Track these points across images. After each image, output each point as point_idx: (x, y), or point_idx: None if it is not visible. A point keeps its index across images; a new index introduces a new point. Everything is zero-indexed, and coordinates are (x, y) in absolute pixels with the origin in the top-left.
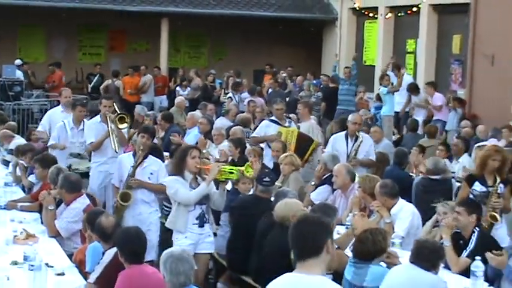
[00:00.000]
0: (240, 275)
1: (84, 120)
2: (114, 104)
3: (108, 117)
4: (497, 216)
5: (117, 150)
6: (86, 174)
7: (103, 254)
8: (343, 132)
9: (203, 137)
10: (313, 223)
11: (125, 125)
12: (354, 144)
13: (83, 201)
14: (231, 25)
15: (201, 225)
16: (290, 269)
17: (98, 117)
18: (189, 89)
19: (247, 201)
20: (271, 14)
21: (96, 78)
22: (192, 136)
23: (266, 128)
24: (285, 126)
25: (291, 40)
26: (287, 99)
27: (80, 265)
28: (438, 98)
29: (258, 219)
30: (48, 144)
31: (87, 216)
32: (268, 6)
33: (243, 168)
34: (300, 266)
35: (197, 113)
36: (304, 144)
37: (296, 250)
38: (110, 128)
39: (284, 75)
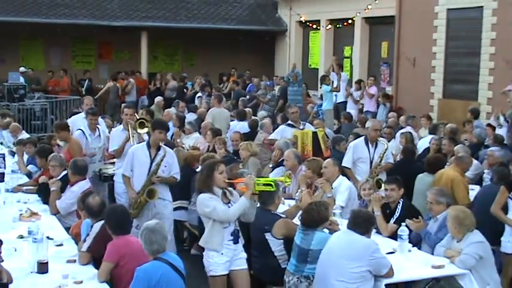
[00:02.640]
0: None
1: (99, 126)
2: (135, 113)
3: (129, 125)
4: None
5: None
6: (112, 177)
7: (92, 227)
8: (362, 138)
9: (177, 129)
10: None
11: (145, 129)
12: (375, 150)
13: (83, 185)
14: (200, 36)
15: (236, 242)
16: (249, 237)
17: (121, 126)
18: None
19: None
20: (232, 26)
21: (86, 82)
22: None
23: (282, 133)
24: (300, 129)
25: (249, 48)
26: (247, 97)
27: (76, 237)
28: (373, 89)
29: None
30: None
31: (81, 197)
32: (230, 21)
33: (281, 178)
34: None
35: (172, 109)
36: (316, 141)
37: None
38: (130, 134)
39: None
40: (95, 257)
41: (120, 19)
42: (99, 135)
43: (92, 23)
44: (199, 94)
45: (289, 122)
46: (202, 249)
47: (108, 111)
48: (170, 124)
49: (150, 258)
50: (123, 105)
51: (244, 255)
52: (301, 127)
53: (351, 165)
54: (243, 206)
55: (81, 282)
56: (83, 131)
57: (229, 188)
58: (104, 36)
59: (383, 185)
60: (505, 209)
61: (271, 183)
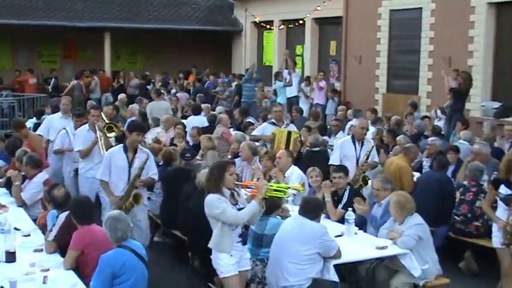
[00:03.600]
0: (171, 230)
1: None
2: (102, 113)
3: (96, 126)
4: None
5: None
6: None
7: (57, 217)
8: (349, 137)
9: None
10: None
11: (113, 133)
12: (361, 148)
13: (42, 176)
14: (161, 36)
15: (244, 243)
16: (208, 224)
17: (86, 126)
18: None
19: (175, 172)
20: (191, 27)
21: (52, 80)
22: None
23: (263, 130)
24: (282, 128)
25: (208, 47)
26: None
27: (43, 228)
28: (322, 83)
29: (183, 186)
30: (54, 150)
31: (47, 189)
32: (189, 21)
33: (296, 186)
34: None
35: (135, 105)
36: (289, 140)
37: None
38: (98, 136)
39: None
40: (61, 245)
41: (84, 20)
42: None
43: (57, 24)
44: (162, 91)
45: (272, 120)
46: (165, 235)
47: (73, 108)
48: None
49: (114, 246)
50: (88, 102)
51: (249, 255)
52: (283, 126)
53: (338, 163)
54: (252, 210)
55: (48, 270)
56: (67, 131)
57: (236, 189)
58: (68, 37)
59: (369, 181)
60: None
61: (284, 189)
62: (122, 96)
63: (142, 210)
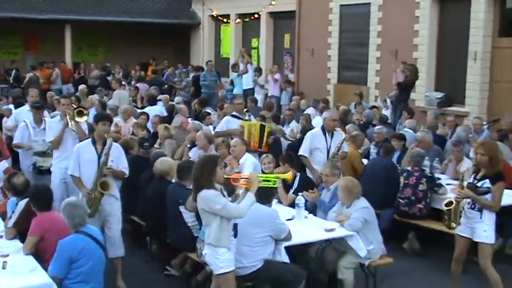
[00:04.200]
0: (130, 215)
1: (45, 119)
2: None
3: (67, 115)
4: (453, 201)
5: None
6: (50, 171)
7: (17, 205)
8: (319, 128)
9: None
10: None
11: (85, 117)
12: (332, 139)
13: (2, 165)
14: (121, 28)
15: (236, 236)
16: (165, 209)
17: (58, 117)
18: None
19: (133, 160)
20: (150, 20)
21: (13, 72)
22: (90, 115)
23: (228, 123)
24: (245, 120)
25: (166, 40)
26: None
27: (3, 215)
28: (277, 75)
29: (141, 174)
30: (13, 143)
31: (7, 177)
32: (148, 14)
33: (283, 176)
34: None
35: (95, 96)
36: (262, 133)
37: None
38: (69, 123)
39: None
40: (20, 232)
41: (45, 13)
42: (44, 128)
43: (20, 16)
44: (122, 82)
45: (234, 113)
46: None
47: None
48: (93, 109)
49: (72, 232)
50: (48, 93)
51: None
52: (246, 118)
53: (308, 154)
54: (251, 202)
55: (7, 255)
56: (26, 124)
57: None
58: (30, 29)
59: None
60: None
61: (273, 179)
62: (82, 87)
63: (113, 205)
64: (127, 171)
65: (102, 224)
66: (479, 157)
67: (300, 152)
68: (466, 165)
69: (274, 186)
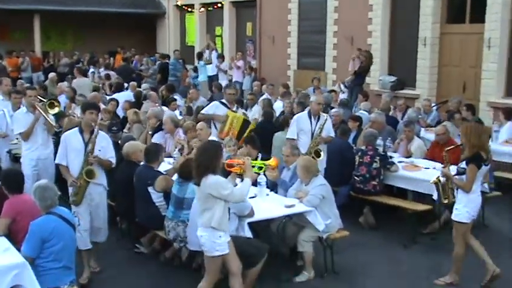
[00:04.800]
0: None
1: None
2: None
3: (36, 106)
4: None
5: (56, 130)
6: None
7: None
8: (306, 112)
9: (69, 101)
10: None
11: (56, 109)
12: (317, 123)
13: None
14: (89, 18)
15: (229, 218)
16: (134, 190)
17: (24, 108)
18: (102, 68)
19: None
20: (117, 10)
21: None
22: (61, 102)
23: (215, 109)
24: (233, 111)
25: (133, 29)
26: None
27: None
28: (240, 62)
29: None
30: None
31: None
32: (115, 4)
33: (267, 162)
34: None
35: (65, 83)
36: (244, 128)
37: None
38: (44, 115)
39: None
40: None
41: (13, 3)
42: None
43: None
44: (92, 70)
45: (224, 100)
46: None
47: None
48: (63, 96)
49: (43, 213)
50: (18, 81)
51: None
52: (234, 108)
53: (295, 137)
54: (248, 186)
55: None
56: (4, 113)
57: None
58: (0, 20)
59: (321, 153)
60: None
61: (261, 165)
62: (52, 75)
63: (101, 194)
64: (114, 161)
65: (90, 212)
66: (462, 140)
67: (288, 135)
68: (416, 144)
69: (258, 171)
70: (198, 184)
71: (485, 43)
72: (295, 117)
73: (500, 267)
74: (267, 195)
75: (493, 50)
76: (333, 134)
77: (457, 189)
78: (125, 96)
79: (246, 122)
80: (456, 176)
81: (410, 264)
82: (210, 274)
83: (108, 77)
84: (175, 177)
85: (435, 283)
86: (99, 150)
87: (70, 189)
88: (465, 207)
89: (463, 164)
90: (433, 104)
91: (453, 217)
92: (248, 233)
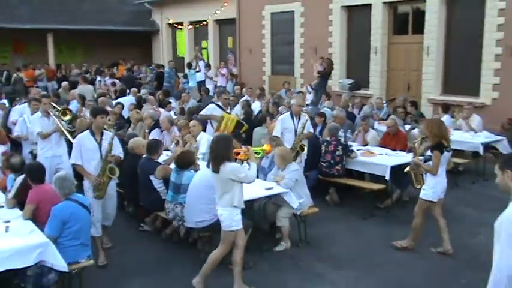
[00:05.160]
0: None
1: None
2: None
3: (50, 112)
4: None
5: (71, 140)
6: None
7: (15, 180)
8: (288, 113)
9: (80, 106)
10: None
11: (68, 117)
12: (299, 122)
13: (1, 149)
14: (95, 35)
15: None
16: (137, 179)
17: (39, 113)
18: (107, 77)
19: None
20: (119, 28)
21: (5, 73)
22: (73, 106)
23: (213, 110)
24: (228, 112)
25: (133, 43)
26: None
27: (3, 189)
28: (224, 70)
29: None
30: (14, 135)
31: (5, 158)
32: (117, 23)
33: (263, 148)
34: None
35: (76, 90)
36: (237, 128)
37: None
38: (58, 121)
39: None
40: (19, 202)
41: (30, 22)
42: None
43: (9, 26)
44: (98, 78)
45: (219, 103)
46: None
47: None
48: (74, 102)
49: (62, 200)
50: (33, 89)
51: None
52: (228, 111)
53: (280, 135)
54: (255, 169)
55: (9, 221)
56: (24, 119)
57: None
58: (18, 35)
59: (305, 147)
60: None
61: (259, 151)
62: (64, 83)
63: (111, 187)
64: (122, 155)
65: (102, 202)
66: (425, 132)
67: (274, 133)
68: (371, 134)
69: (258, 156)
70: (216, 171)
71: (424, 51)
72: (279, 117)
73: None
74: None
75: (431, 56)
76: (312, 130)
77: (425, 174)
78: (128, 100)
79: (239, 123)
80: (425, 163)
81: (369, 233)
82: (224, 244)
83: (113, 84)
84: (172, 166)
85: (393, 244)
86: None
87: (85, 184)
88: (432, 189)
89: (428, 152)
90: (383, 102)
91: (420, 195)
92: None
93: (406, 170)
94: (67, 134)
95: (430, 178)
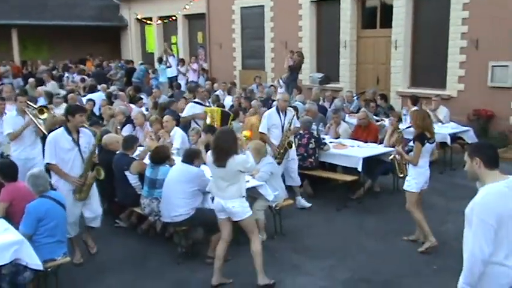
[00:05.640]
0: None
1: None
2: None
3: (26, 111)
4: (393, 157)
5: (45, 133)
6: None
7: None
8: (275, 108)
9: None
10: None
11: (45, 115)
12: (285, 117)
13: None
14: (62, 30)
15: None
16: (113, 174)
17: (14, 112)
18: (75, 74)
19: None
20: (86, 23)
21: None
22: (41, 103)
23: (192, 109)
24: (207, 106)
25: (101, 39)
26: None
27: None
28: (195, 65)
29: None
30: None
31: None
32: (83, 19)
33: (244, 133)
34: None
35: (43, 87)
36: (225, 118)
37: None
38: (31, 119)
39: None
40: None
41: None
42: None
43: None
44: (66, 75)
45: (197, 100)
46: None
47: None
48: (41, 99)
49: (37, 197)
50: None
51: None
52: (207, 104)
53: (266, 131)
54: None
55: None
56: None
57: None
58: None
59: (292, 144)
60: None
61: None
62: (31, 80)
63: (94, 187)
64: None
65: (82, 205)
66: (411, 123)
67: (260, 130)
68: (343, 127)
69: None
70: (223, 166)
71: (392, 44)
72: (265, 113)
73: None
74: None
75: (399, 50)
76: (298, 125)
77: (408, 164)
78: (99, 96)
79: (224, 112)
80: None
81: (342, 223)
82: (252, 232)
83: (83, 80)
84: (147, 161)
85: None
86: (85, 147)
87: (60, 186)
88: (414, 179)
89: (411, 143)
90: (354, 95)
91: (404, 187)
92: (211, 205)
93: (390, 158)
94: (37, 124)
95: (412, 169)
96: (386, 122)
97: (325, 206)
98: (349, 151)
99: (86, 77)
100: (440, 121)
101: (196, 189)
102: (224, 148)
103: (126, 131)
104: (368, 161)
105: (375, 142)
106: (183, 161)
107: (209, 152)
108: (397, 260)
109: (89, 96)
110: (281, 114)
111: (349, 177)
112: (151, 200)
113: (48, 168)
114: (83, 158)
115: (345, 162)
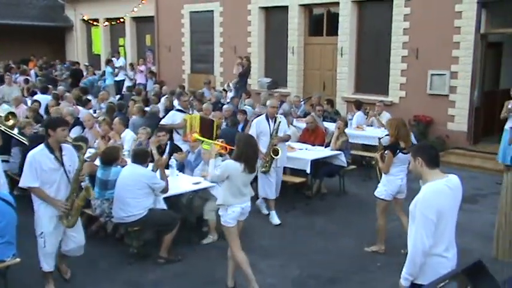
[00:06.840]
0: None
1: None
2: None
3: None
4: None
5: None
6: None
7: None
8: (264, 115)
9: None
10: None
11: (12, 121)
12: (274, 124)
13: None
14: (3, 29)
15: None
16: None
17: None
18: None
19: (32, 137)
20: (29, 23)
21: None
22: None
23: (173, 117)
24: (189, 114)
25: (45, 39)
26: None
27: None
28: (142, 67)
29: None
30: None
31: None
32: (26, 18)
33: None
34: None
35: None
36: (206, 125)
37: None
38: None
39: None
40: None
41: None
42: None
43: None
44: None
45: (179, 107)
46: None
47: None
48: None
49: None
50: None
51: None
52: (190, 112)
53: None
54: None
55: None
56: None
57: None
58: None
59: (279, 151)
60: None
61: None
62: None
63: None
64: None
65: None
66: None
67: None
68: (291, 131)
69: (209, 148)
70: (253, 171)
71: (338, 51)
72: (254, 120)
73: (363, 223)
74: (177, 175)
75: (345, 57)
76: (288, 132)
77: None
78: (45, 98)
79: (203, 119)
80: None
81: (291, 224)
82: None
83: (26, 81)
84: (98, 163)
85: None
86: (70, 165)
87: (40, 212)
88: (384, 186)
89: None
90: (301, 100)
91: (375, 193)
92: (163, 206)
93: (373, 163)
94: (20, 138)
95: (384, 176)
96: (333, 126)
97: (275, 207)
98: (297, 154)
99: (29, 78)
100: (383, 125)
101: (147, 190)
102: (257, 154)
103: (75, 132)
104: (315, 163)
105: (322, 145)
106: (133, 161)
107: (237, 163)
108: (343, 257)
109: (37, 97)
110: (270, 121)
111: (297, 179)
112: (102, 201)
113: (30, 192)
114: (68, 178)
115: (294, 164)
